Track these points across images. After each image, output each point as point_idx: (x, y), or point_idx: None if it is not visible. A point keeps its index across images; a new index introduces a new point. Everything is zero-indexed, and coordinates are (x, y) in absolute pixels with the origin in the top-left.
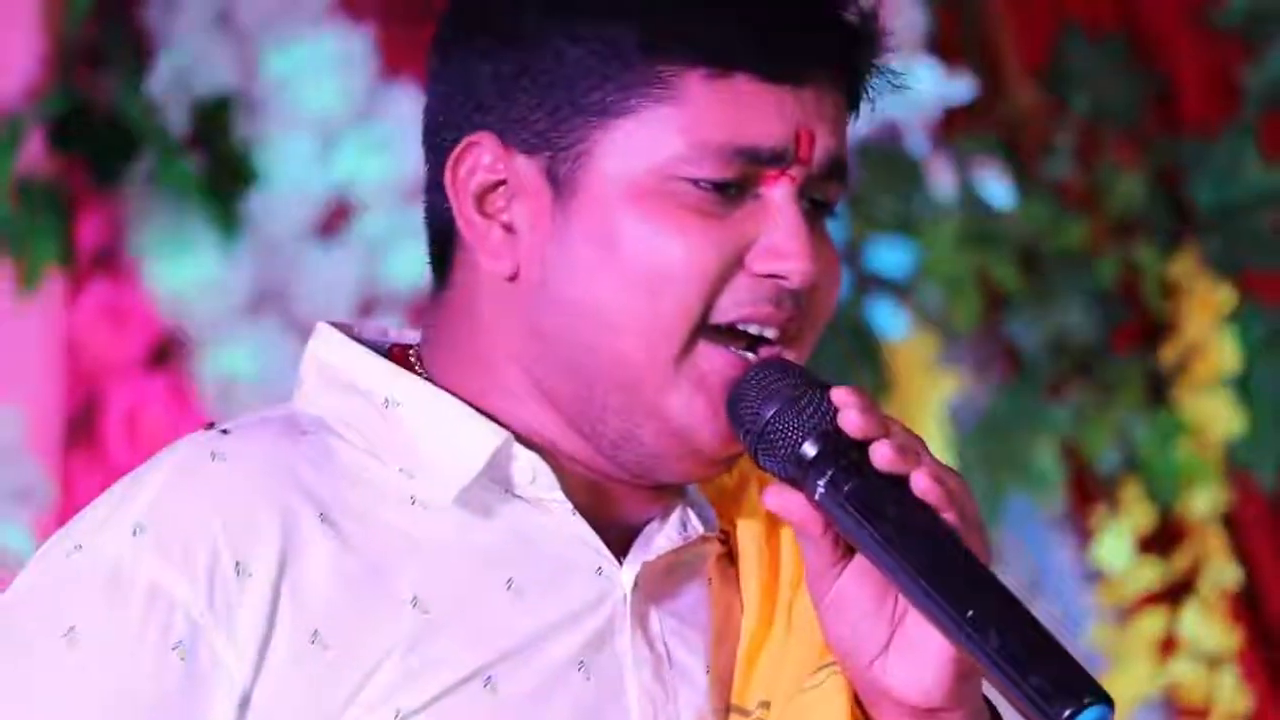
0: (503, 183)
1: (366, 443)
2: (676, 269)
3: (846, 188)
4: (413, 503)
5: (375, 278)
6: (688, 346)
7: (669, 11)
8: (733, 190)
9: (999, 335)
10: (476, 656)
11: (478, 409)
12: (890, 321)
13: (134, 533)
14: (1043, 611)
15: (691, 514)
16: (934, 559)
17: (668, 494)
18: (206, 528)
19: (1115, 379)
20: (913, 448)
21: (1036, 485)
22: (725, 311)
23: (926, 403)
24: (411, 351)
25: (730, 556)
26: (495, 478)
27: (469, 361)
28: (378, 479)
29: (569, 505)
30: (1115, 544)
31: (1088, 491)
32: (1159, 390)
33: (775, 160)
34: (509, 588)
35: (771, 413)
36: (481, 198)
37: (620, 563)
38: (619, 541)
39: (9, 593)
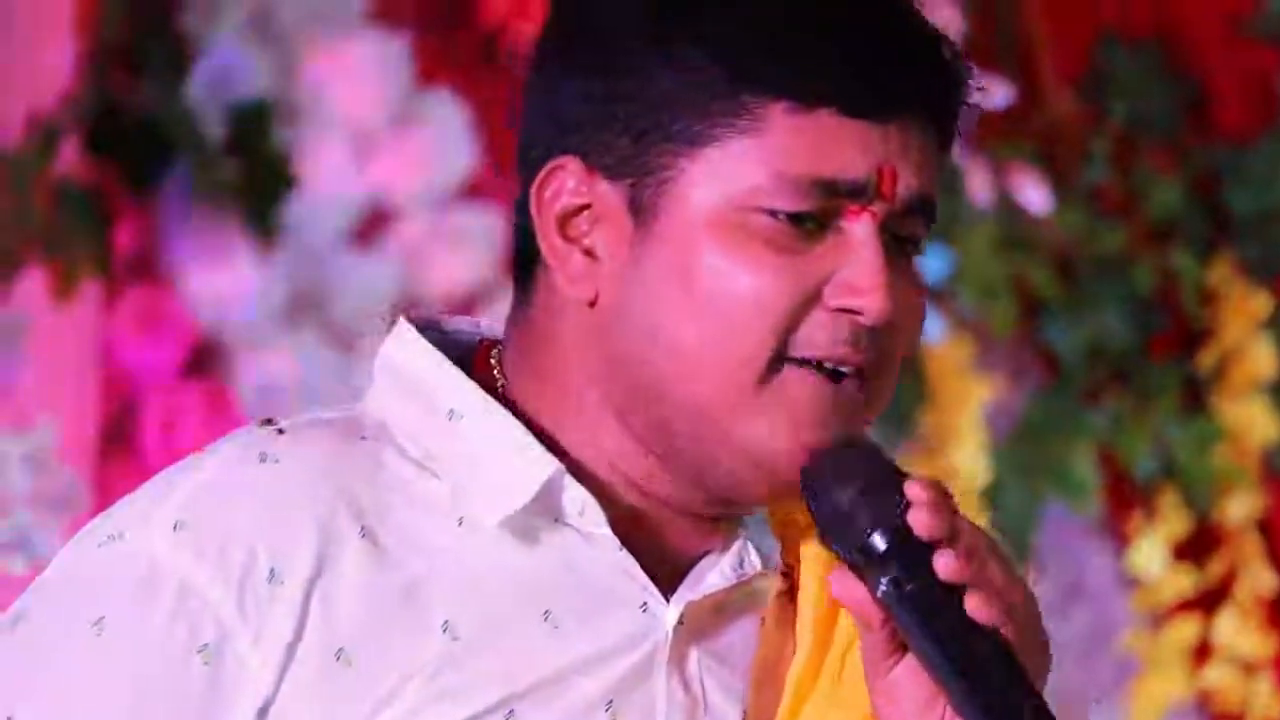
0: (587, 207)
1: (424, 454)
2: (750, 302)
3: (933, 224)
4: (460, 523)
5: (413, 285)
6: (765, 378)
7: (757, 43)
8: (811, 224)
9: (1036, 341)
10: (502, 688)
11: (543, 429)
12: (927, 326)
13: (174, 528)
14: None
15: (751, 550)
16: (979, 674)
17: (725, 527)
18: (245, 531)
19: (1152, 385)
20: (979, 553)
21: (1073, 491)
22: (801, 348)
23: (963, 408)
24: (494, 352)
25: (791, 594)
26: (545, 506)
27: (544, 379)
28: (428, 494)
29: (615, 540)
30: (1151, 550)
31: (1124, 498)
32: (1196, 396)
33: (855, 194)
34: (545, 619)
35: (845, 498)
36: (564, 221)
37: (668, 599)
38: (671, 576)
39: (46, 573)
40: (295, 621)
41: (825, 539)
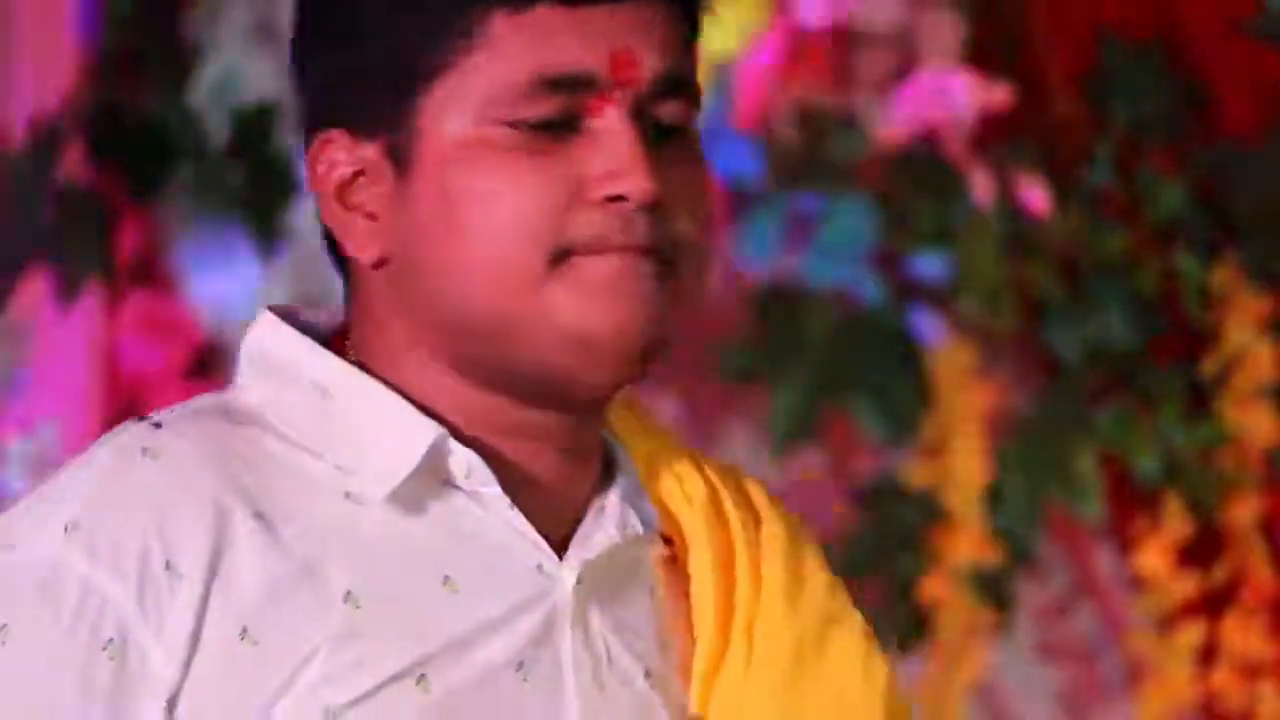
0: (361, 173)
1: (300, 435)
2: (511, 214)
3: (698, 106)
4: (347, 497)
5: None
6: (549, 271)
7: None
8: (557, 127)
9: (1038, 343)
10: (409, 653)
11: (409, 397)
12: (929, 329)
13: (65, 530)
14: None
15: (631, 513)
16: None
17: (601, 482)
18: (137, 527)
19: (1155, 388)
20: None
21: (1076, 494)
22: (574, 237)
23: (965, 410)
24: (350, 339)
25: (674, 561)
26: (431, 471)
27: (380, 352)
28: (312, 473)
29: (506, 499)
30: (1155, 553)
31: (1128, 500)
32: (1200, 399)
33: (589, 85)
34: (445, 584)
35: None
36: (342, 191)
37: (561, 558)
38: (558, 535)
39: None
40: (197, 609)
41: None
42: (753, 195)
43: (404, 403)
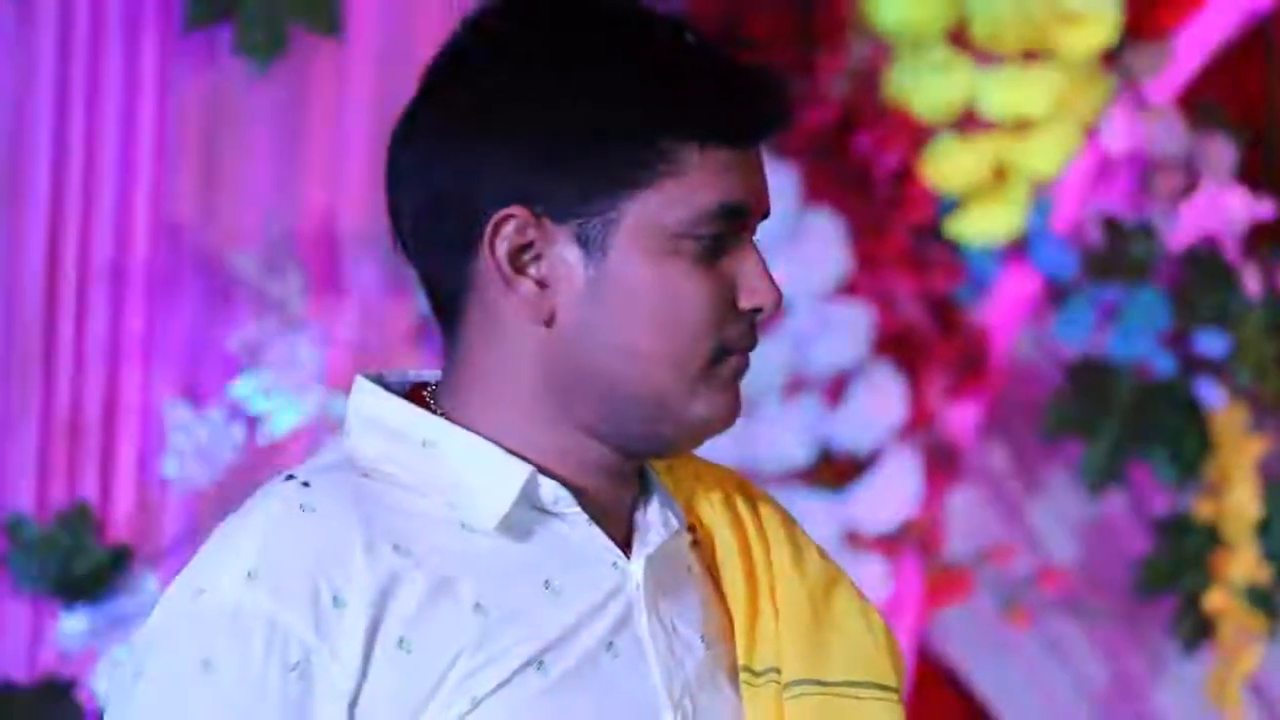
0: (529, 245)
1: (412, 479)
2: (692, 312)
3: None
4: (462, 528)
5: (800, 366)
6: (708, 368)
7: (667, 94)
8: (722, 242)
9: None
10: (529, 647)
11: (499, 441)
12: (1211, 394)
13: (248, 577)
14: None
15: (669, 514)
16: None
17: (644, 496)
18: (307, 570)
19: None
20: None
21: None
22: (729, 343)
23: (1241, 459)
24: (426, 392)
25: (697, 545)
26: (526, 501)
27: (495, 399)
28: (428, 511)
29: (585, 516)
30: None
31: None
32: None
33: (743, 214)
34: (547, 588)
35: None
36: (514, 258)
37: (628, 557)
38: (617, 542)
39: (145, 631)
40: (364, 631)
41: None
42: (1069, 287)
43: (496, 448)
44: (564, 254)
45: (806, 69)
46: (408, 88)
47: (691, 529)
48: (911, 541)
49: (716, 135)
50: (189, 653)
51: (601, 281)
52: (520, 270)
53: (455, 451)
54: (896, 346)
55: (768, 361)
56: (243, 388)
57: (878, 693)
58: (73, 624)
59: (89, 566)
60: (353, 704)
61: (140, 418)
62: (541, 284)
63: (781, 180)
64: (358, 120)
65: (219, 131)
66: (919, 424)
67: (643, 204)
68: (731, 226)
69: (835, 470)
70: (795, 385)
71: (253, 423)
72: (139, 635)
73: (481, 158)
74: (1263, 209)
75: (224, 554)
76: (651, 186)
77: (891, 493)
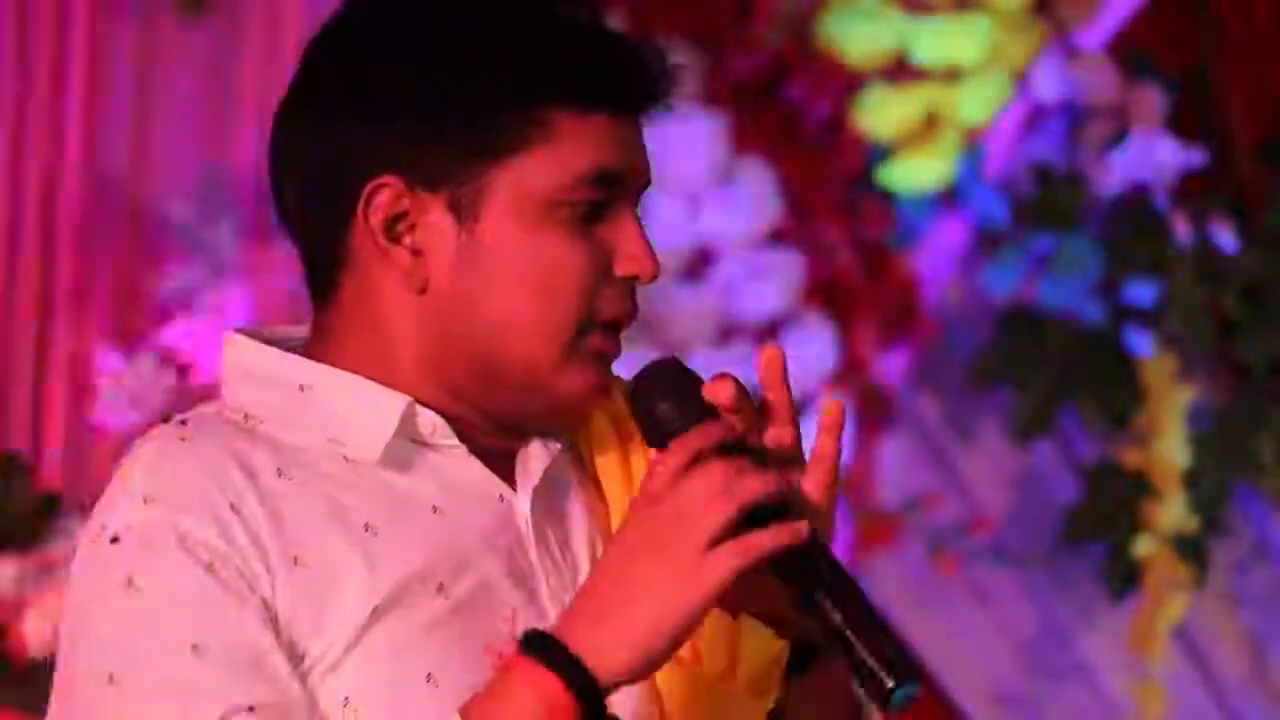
0: (404, 214)
1: (289, 422)
2: (565, 279)
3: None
4: (346, 461)
5: (728, 312)
6: (576, 340)
7: (539, 63)
8: (598, 209)
9: (1228, 355)
10: (421, 558)
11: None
12: (1141, 344)
13: (145, 501)
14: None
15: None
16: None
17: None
18: (199, 485)
19: None
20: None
21: (1259, 474)
22: (601, 312)
23: (1170, 408)
24: (300, 348)
25: (580, 462)
26: (406, 432)
27: (367, 359)
28: (311, 446)
29: (464, 449)
30: None
31: None
32: None
33: (621, 182)
34: (435, 512)
35: (664, 407)
36: (388, 227)
37: (513, 489)
38: (501, 470)
39: (71, 579)
40: (262, 539)
41: (652, 442)
42: (998, 236)
43: (374, 384)
44: (437, 222)
45: (739, 17)
46: None
47: (573, 445)
48: (841, 489)
49: (590, 99)
50: (111, 580)
51: (474, 249)
52: (395, 240)
53: (333, 390)
54: (827, 295)
55: (699, 308)
56: (173, 334)
57: None
58: (2, 571)
59: (20, 514)
60: (268, 606)
61: (70, 365)
62: (416, 252)
63: (712, 128)
64: (290, 67)
65: (150, 79)
66: (849, 372)
67: (515, 171)
68: (609, 194)
69: None
70: (726, 333)
71: (183, 370)
72: (68, 599)
73: (355, 129)
74: (1194, 157)
75: (117, 492)
76: (523, 153)
77: None
